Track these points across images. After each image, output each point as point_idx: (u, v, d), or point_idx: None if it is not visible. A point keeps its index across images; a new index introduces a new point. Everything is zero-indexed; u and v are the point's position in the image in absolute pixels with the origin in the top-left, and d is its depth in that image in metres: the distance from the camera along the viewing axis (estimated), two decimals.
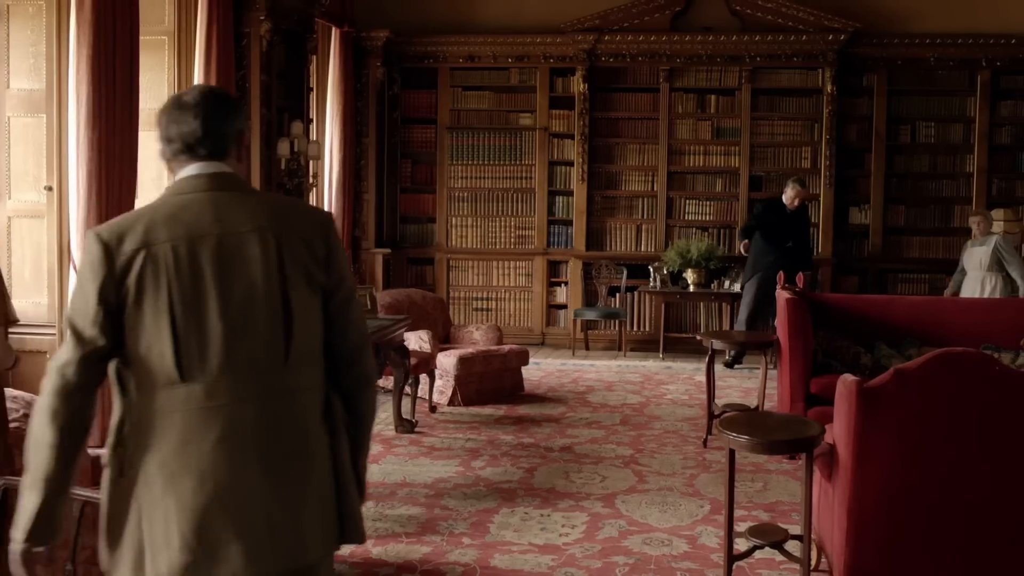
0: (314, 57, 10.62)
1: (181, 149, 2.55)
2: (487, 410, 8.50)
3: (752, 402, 8.18)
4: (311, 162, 9.83)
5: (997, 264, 9.61)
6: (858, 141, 11.75)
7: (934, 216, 11.80)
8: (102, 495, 2.53)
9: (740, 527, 5.10)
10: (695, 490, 6.30)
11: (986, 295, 9.45)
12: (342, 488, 2.60)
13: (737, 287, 11.36)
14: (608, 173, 11.99)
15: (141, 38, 8.61)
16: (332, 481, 2.57)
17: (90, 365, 2.45)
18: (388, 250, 11.90)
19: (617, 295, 11.83)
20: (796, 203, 10.41)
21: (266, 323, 2.47)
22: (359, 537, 2.66)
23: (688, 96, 11.85)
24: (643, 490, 6.30)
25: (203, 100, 2.57)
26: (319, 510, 2.53)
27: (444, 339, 9.43)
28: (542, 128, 11.98)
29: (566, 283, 12.06)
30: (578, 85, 11.78)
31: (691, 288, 11.21)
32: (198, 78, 8.52)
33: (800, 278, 9.60)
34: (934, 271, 11.63)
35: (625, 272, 11.71)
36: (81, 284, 2.47)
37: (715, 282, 11.43)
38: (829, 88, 11.46)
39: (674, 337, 11.43)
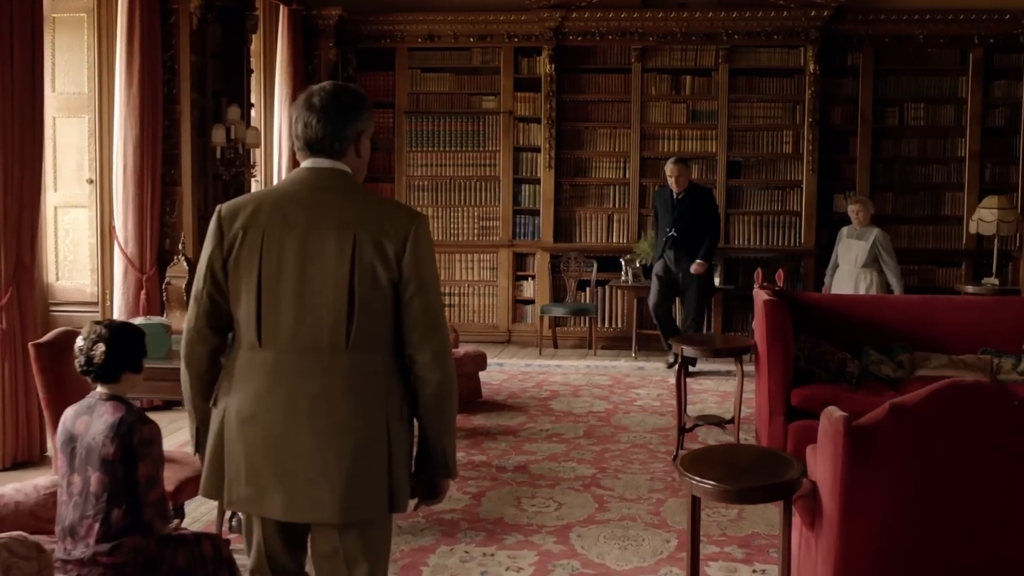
0: (256, 37, 9.85)
1: (303, 146, 2.91)
2: None
3: (728, 411, 7.49)
4: (251, 150, 9.05)
5: (874, 260, 9.10)
6: (843, 124, 11.17)
7: (924, 203, 11.21)
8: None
9: (711, 569, 4.38)
10: (661, 519, 5.58)
11: (861, 292, 8.91)
12: (394, 465, 2.86)
13: (716, 280, 10.69)
14: (577, 160, 11.39)
15: (56, 15, 7.92)
16: (386, 457, 2.85)
17: (207, 320, 2.94)
18: None
19: (587, 289, 11.21)
20: (678, 185, 9.58)
21: (332, 310, 2.79)
22: (403, 508, 2.94)
23: (662, 77, 11.23)
24: (603, 520, 5.58)
25: (330, 103, 2.88)
26: (363, 479, 2.83)
27: None
28: (506, 112, 11.36)
29: (533, 277, 11.39)
30: (544, 66, 11.15)
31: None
32: (120, 59, 7.82)
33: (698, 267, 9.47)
34: (924, 262, 11.09)
35: (595, 265, 11.08)
36: (203, 251, 2.96)
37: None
38: (812, 67, 10.86)
39: (648, 334, 10.70)
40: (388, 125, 11.54)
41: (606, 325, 11.19)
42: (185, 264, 5.98)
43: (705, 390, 8.90)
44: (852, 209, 9.27)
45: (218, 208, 2.93)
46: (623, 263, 10.79)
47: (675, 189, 9.57)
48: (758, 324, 6.57)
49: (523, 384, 9.17)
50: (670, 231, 9.56)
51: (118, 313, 7.87)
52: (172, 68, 8.19)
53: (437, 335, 2.89)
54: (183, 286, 5.92)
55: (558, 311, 10.92)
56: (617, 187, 11.31)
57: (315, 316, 2.81)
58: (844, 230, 9.40)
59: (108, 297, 7.99)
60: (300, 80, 10.65)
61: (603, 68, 11.26)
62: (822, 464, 3.52)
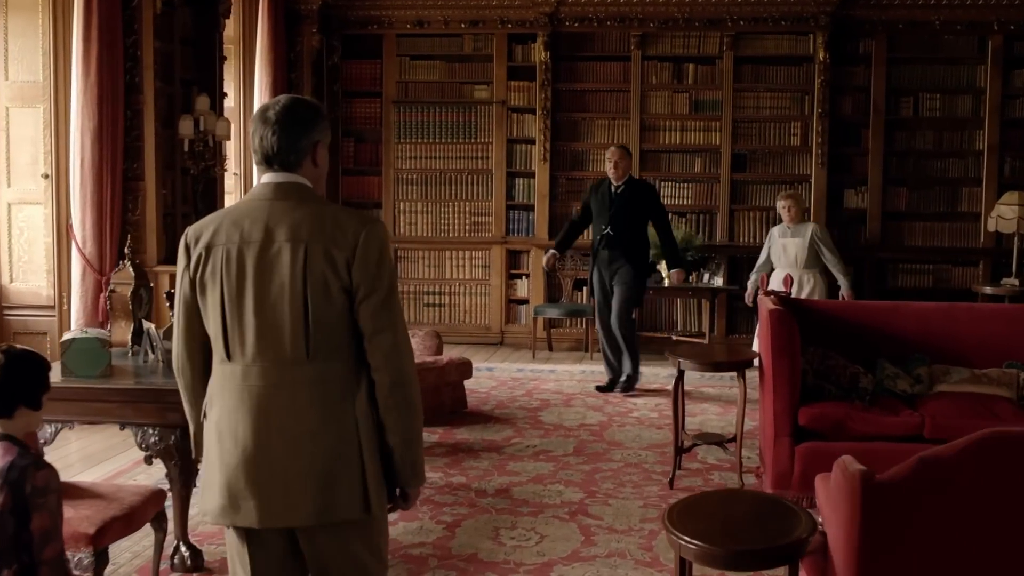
0: (234, 22, 9.32)
1: (260, 160, 2.96)
2: None
3: (731, 423, 6.94)
4: (222, 143, 8.49)
5: (815, 259, 8.47)
6: (854, 115, 10.64)
7: (939, 199, 10.66)
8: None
9: None
10: (653, 557, 5.01)
11: (803, 296, 8.25)
12: (367, 466, 2.89)
13: (719, 280, 10.15)
14: (573, 152, 10.92)
15: None
16: (358, 459, 2.88)
17: (189, 337, 3.02)
18: None
19: (584, 289, 10.62)
20: (617, 174, 8.51)
21: (290, 323, 2.84)
22: (380, 510, 2.95)
23: (663, 65, 10.73)
24: (587, 556, 5.01)
25: (283, 116, 2.91)
26: (337, 481, 2.86)
27: None
28: (499, 102, 10.88)
29: (527, 275, 10.87)
30: (539, 53, 10.67)
31: (665, 282, 9.94)
32: (77, 45, 7.28)
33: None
34: (939, 261, 10.58)
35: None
36: (177, 273, 3.03)
37: (693, 275, 10.24)
38: (821, 55, 10.34)
39: (647, 337, 10.22)
40: (375, 115, 11.11)
41: None
42: (131, 269, 5.41)
43: (706, 396, 8.34)
44: (782, 205, 8.59)
45: (186, 231, 3.01)
46: None
47: (614, 179, 8.49)
48: (763, 337, 6.02)
49: (513, 392, 8.61)
50: (605, 228, 8.44)
51: (76, 318, 7.38)
52: (135, 55, 7.64)
53: (386, 336, 2.88)
54: (128, 294, 5.35)
55: (553, 312, 10.38)
56: None
57: (275, 330, 2.86)
58: (775, 230, 8.72)
59: (65, 301, 7.50)
60: (281, 69, 10.13)
61: (601, 56, 10.79)
62: (835, 523, 2.96)
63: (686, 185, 10.75)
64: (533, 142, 10.81)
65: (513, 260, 10.98)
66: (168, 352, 4.48)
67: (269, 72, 9.96)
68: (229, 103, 9.21)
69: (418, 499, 3.13)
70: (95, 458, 6.55)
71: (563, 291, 10.65)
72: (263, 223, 2.88)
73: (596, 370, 9.48)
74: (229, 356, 2.90)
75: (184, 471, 4.75)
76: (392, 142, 11.03)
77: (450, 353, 8.30)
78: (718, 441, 6.36)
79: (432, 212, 11.06)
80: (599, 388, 8.67)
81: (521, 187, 10.97)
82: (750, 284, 8.81)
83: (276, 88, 9.97)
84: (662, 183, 10.68)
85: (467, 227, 11.03)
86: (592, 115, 10.82)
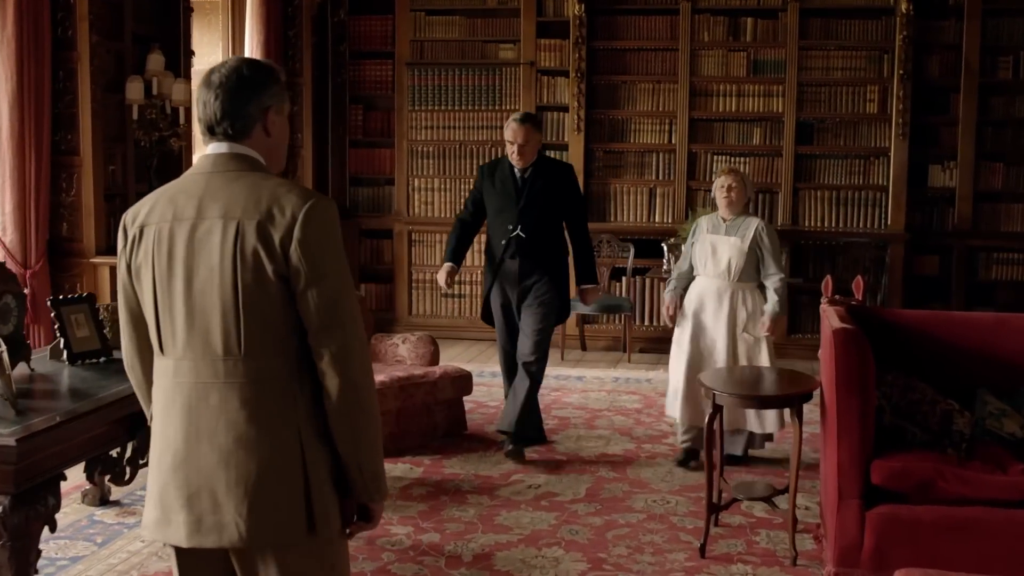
0: None
1: (203, 130, 2.70)
2: (399, 467, 5.91)
3: (783, 466, 5.53)
4: (179, 109, 7.21)
5: (753, 270, 5.89)
6: (942, 78, 9.36)
7: None
8: None
9: None
10: None
11: (741, 321, 5.89)
12: (312, 483, 2.59)
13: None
14: (612, 121, 9.76)
15: None
16: (301, 475, 2.58)
17: (135, 331, 2.77)
18: None
19: (623, 279, 9.49)
20: (524, 157, 6.26)
21: (220, 311, 2.57)
22: (328, 531, 2.62)
23: (716, 19, 9.55)
24: None
25: (226, 80, 2.64)
26: (274, 499, 2.56)
27: None
28: (527, 63, 9.72)
29: None
30: (573, 7, 9.49)
31: (576, 306, 8.20)
32: None
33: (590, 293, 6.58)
34: None
35: (632, 250, 9.30)
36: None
37: None
38: (904, 6, 9.05)
39: None
40: (386, 79, 10.00)
41: (644, 324, 9.49)
42: None
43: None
44: (722, 184, 5.98)
45: (124, 214, 2.77)
46: (665, 248, 9.00)
47: (518, 162, 6.27)
48: (826, 362, 4.59)
49: None
50: (513, 229, 6.23)
51: None
52: (66, 3, 6.42)
53: (332, 334, 2.57)
54: None
55: (587, 307, 9.00)
56: (661, 154, 9.67)
57: (204, 319, 2.58)
58: (703, 221, 6.13)
59: None
60: (275, 25, 8.93)
61: (644, 9, 9.62)
62: None
63: (743, 160, 9.52)
64: (566, 109, 9.67)
65: None
66: (16, 395, 3.80)
67: (261, 31, 8.76)
68: (200, 64, 7.94)
69: (381, 517, 2.78)
70: None
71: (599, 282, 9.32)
72: (197, 198, 2.62)
73: (632, 377, 8.15)
74: (163, 349, 2.66)
75: (18, 554, 3.50)
76: (405, 110, 9.89)
77: (469, 353, 6.97)
78: (766, 496, 4.94)
79: (451, 190, 9.93)
80: (504, 436, 6.35)
81: None
82: (667, 296, 6.16)
83: (269, 48, 8.80)
84: (715, 157, 9.50)
85: None
86: (634, 78, 9.63)
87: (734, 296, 5.88)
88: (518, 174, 6.30)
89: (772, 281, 5.84)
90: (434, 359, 6.73)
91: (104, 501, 5.31)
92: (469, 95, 9.81)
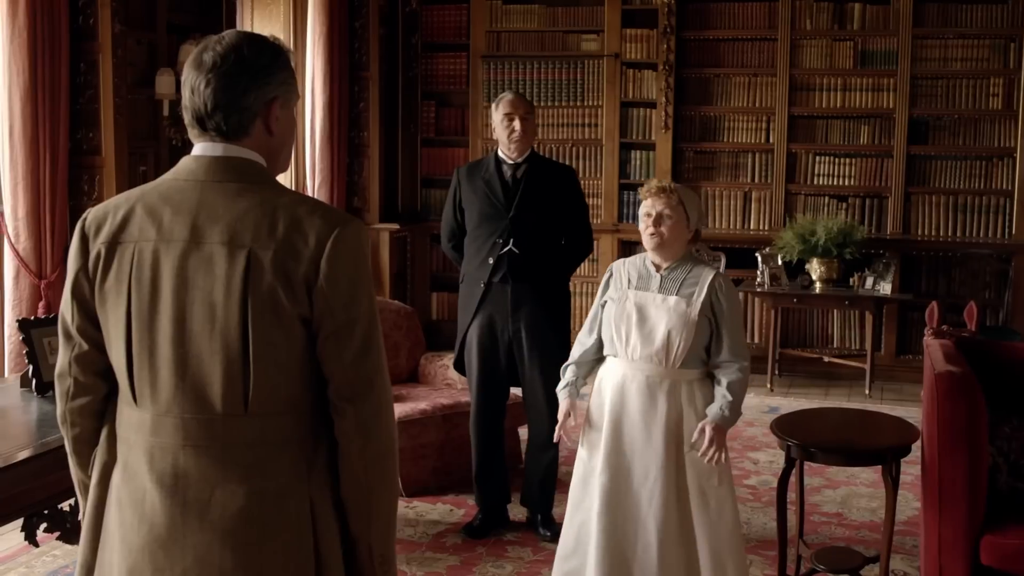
0: None
1: (191, 122, 2.24)
2: (438, 509, 5.27)
3: (873, 525, 4.73)
4: None
5: (703, 344, 3.71)
6: None
7: None
8: None
9: None
10: None
11: (689, 433, 3.67)
12: (323, 566, 2.23)
13: (886, 286, 8.02)
14: (703, 118, 9.17)
15: None
16: (312, 559, 2.21)
17: (83, 365, 2.27)
18: (396, 226, 9.13)
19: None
20: (519, 146, 4.99)
21: (221, 360, 2.14)
22: None
23: (820, 5, 8.84)
24: None
25: (222, 62, 2.18)
26: None
27: (408, 377, 6.36)
28: (612, 55, 9.13)
29: None
30: None
31: (817, 287, 8.16)
32: None
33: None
34: None
35: (723, 260, 8.61)
36: (68, 273, 2.33)
37: (853, 277, 8.25)
38: None
39: (792, 356, 8.53)
40: (460, 73, 9.53)
41: None
42: None
43: (837, 483, 5.99)
44: (647, 211, 3.81)
45: (84, 214, 2.27)
46: (759, 258, 8.34)
47: (511, 152, 5.02)
48: (928, 412, 3.80)
49: None
50: (504, 243, 4.99)
51: (9, 330, 5.79)
52: None
53: (364, 388, 2.17)
54: None
55: None
56: (757, 155, 9.04)
57: (199, 368, 2.14)
58: (622, 268, 3.96)
59: None
60: (340, 17, 8.59)
61: None
62: None
63: (848, 161, 8.84)
64: (653, 105, 9.09)
65: (627, 253, 9.06)
66: None
67: (324, 20, 8.39)
68: None
69: None
70: None
71: None
72: (189, 215, 2.16)
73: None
74: (136, 399, 2.19)
75: None
76: (480, 106, 9.36)
77: None
78: (852, 568, 4.16)
79: None
80: (469, 532, 5.06)
81: (638, 162, 9.26)
82: (561, 395, 4.04)
83: (333, 40, 8.47)
84: (817, 158, 8.82)
85: None
86: (728, 71, 9.03)
87: (673, 393, 3.68)
88: (508, 173, 5.03)
89: (727, 372, 3.65)
90: None
91: None
92: (549, 90, 9.30)
